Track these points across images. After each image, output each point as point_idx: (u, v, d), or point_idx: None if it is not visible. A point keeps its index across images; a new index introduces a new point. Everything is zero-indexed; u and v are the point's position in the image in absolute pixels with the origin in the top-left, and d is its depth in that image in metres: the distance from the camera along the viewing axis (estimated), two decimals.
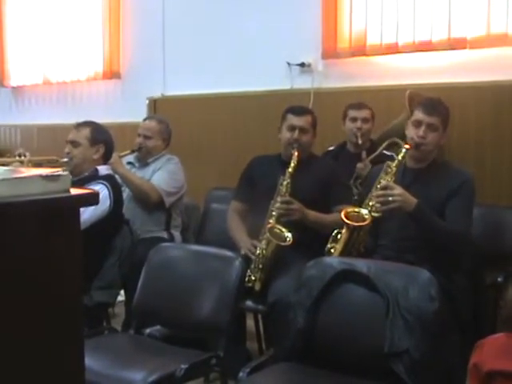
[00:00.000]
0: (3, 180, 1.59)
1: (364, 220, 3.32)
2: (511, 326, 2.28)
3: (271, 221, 3.64)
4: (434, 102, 3.47)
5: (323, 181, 3.81)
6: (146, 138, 4.58)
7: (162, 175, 4.47)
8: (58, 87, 7.06)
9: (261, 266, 3.59)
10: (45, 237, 1.64)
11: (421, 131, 3.36)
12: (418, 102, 3.73)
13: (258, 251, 3.62)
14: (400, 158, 3.38)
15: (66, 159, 3.90)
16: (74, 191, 1.72)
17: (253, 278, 3.55)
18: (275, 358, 2.89)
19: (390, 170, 3.39)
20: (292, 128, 3.85)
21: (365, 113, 4.37)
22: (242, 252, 3.64)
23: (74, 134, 3.95)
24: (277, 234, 3.58)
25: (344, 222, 3.35)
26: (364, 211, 3.34)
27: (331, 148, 4.56)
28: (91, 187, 3.58)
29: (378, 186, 3.35)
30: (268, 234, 3.59)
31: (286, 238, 3.56)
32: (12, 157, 4.36)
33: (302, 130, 3.85)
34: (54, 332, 1.67)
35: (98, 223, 3.57)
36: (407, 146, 3.38)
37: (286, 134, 3.87)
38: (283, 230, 3.58)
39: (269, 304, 3.41)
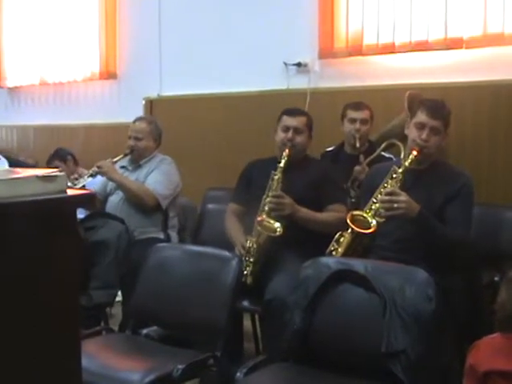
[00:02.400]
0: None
1: (369, 227, 3.31)
2: (506, 327, 2.29)
3: (263, 215, 3.65)
4: (438, 105, 3.43)
5: (316, 182, 3.83)
6: (137, 139, 4.56)
7: (157, 177, 4.46)
8: (55, 88, 7.05)
9: (252, 260, 3.60)
10: (42, 237, 1.64)
11: (424, 134, 3.33)
12: (419, 102, 3.71)
13: (248, 244, 3.63)
14: (407, 164, 3.35)
15: None
16: (70, 191, 1.72)
17: (244, 272, 3.54)
18: (272, 359, 2.89)
19: (395, 175, 3.36)
20: (286, 129, 3.88)
21: (364, 114, 4.34)
22: (236, 251, 3.66)
23: None
24: (266, 226, 3.60)
25: (349, 226, 3.35)
26: (373, 222, 3.30)
27: (330, 149, 4.55)
28: None
29: (383, 191, 3.33)
30: (258, 227, 3.61)
31: (276, 229, 3.57)
32: None
33: (296, 131, 3.87)
34: (50, 332, 1.67)
35: None
36: (415, 153, 3.34)
37: (280, 135, 3.89)
38: (272, 221, 3.59)
39: (265, 301, 3.41)
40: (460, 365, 2.43)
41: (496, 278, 3.72)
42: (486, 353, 2.29)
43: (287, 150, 3.80)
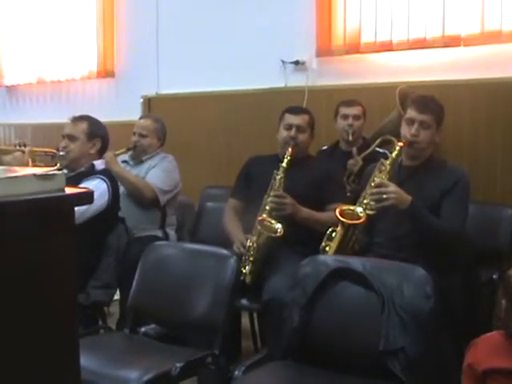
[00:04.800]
0: None
1: (359, 218, 3.33)
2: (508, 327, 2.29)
3: (264, 214, 3.65)
4: (426, 100, 3.48)
5: (317, 180, 3.83)
6: (142, 136, 4.61)
7: (157, 173, 4.48)
8: (53, 86, 7.05)
9: (252, 259, 3.60)
10: (39, 236, 1.63)
11: (413, 129, 3.38)
12: (410, 98, 3.74)
13: (248, 243, 3.63)
14: (394, 155, 3.40)
15: (62, 153, 3.86)
16: (68, 190, 1.72)
17: (243, 271, 3.54)
18: (270, 357, 2.89)
19: (383, 167, 3.40)
20: (289, 127, 3.88)
21: (356, 110, 4.38)
22: (235, 248, 3.66)
23: (71, 127, 3.91)
24: (267, 226, 3.60)
25: (339, 219, 3.35)
26: (359, 209, 3.34)
27: (324, 148, 4.57)
28: (89, 182, 3.60)
29: (372, 184, 3.36)
30: (259, 227, 3.60)
31: (276, 230, 3.57)
32: (12, 146, 4.34)
33: (299, 129, 3.88)
34: (48, 331, 1.67)
35: (95, 217, 3.56)
36: (401, 144, 3.40)
37: (283, 133, 3.90)
38: (273, 222, 3.60)
39: (263, 302, 3.42)
40: (458, 363, 2.43)
41: (494, 276, 3.73)
42: (485, 351, 2.28)
43: (290, 149, 3.80)
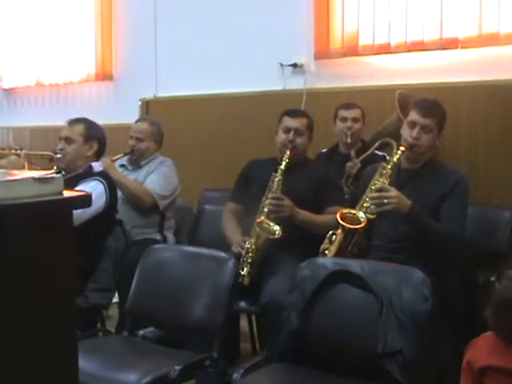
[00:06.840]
0: None
1: (360, 222, 3.33)
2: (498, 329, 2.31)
3: (262, 216, 3.65)
4: (430, 104, 3.46)
5: (316, 183, 3.83)
6: (139, 140, 4.58)
7: (156, 178, 4.46)
8: (51, 89, 7.04)
9: (250, 261, 3.59)
10: (38, 239, 1.63)
11: (414, 132, 3.37)
12: (411, 101, 3.73)
13: (247, 245, 3.63)
14: (395, 159, 3.39)
15: (59, 155, 3.86)
16: (66, 193, 1.72)
17: (241, 273, 3.53)
18: (269, 359, 2.89)
19: (384, 171, 3.39)
20: (287, 130, 3.88)
21: (355, 112, 4.38)
22: (233, 249, 3.66)
23: (68, 130, 3.91)
24: (266, 228, 3.60)
25: (340, 223, 3.35)
26: (360, 214, 3.33)
27: (324, 150, 4.57)
28: (86, 184, 3.60)
29: (373, 188, 3.35)
30: (257, 229, 3.61)
31: (274, 232, 3.57)
32: (8, 150, 4.33)
33: (297, 132, 3.87)
34: (47, 334, 1.67)
35: (92, 220, 3.55)
36: (403, 148, 3.38)
37: (281, 136, 3.89)
38: (271, 224, 3.60)
39: (261, 305, 3.42)
40: (457, 364, 2.44)
41: (492, 278, 3.73)
42: (483, 349, 2.32)
43: (288, 152, 3.80)
